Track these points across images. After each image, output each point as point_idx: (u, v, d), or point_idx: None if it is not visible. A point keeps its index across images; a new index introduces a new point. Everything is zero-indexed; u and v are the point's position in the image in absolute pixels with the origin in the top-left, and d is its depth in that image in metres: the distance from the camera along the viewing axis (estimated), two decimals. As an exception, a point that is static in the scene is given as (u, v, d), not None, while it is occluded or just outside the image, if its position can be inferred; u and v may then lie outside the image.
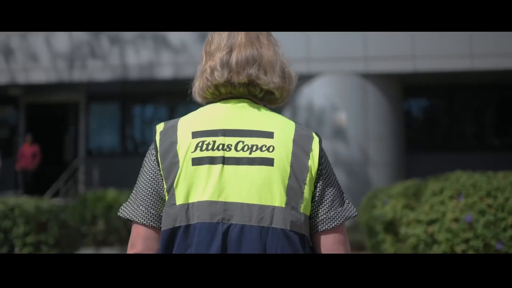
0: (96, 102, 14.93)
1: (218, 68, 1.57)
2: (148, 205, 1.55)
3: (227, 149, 1.51)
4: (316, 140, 1.57)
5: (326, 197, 1.56)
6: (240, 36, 1.61)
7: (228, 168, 1.50)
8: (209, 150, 1.51)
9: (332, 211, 1.55)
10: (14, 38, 13.06)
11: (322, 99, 12.07)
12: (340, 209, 1.57)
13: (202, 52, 1.66)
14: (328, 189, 1.57)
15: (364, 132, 12.07)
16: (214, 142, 1.52)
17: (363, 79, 12.16)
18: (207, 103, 1.66)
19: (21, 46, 13.00)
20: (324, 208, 1.55)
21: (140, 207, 1.55)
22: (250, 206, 1.47)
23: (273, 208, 1.48)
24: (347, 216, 1.58)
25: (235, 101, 1.61)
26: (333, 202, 1.56)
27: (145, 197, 1.56)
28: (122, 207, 1.61)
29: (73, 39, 12.83)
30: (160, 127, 1.60)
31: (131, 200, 1.59)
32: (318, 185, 1.55)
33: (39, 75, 13.01)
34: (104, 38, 12.69)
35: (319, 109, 12.10)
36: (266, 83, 1.58)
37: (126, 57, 12.59)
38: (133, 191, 1.60)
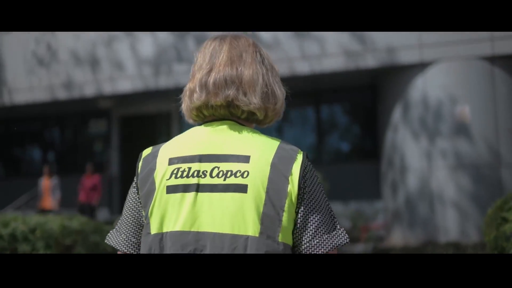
0: None
1: (197, 90, 1.56)
2: (129, 233, 1.60)
3: (202, 176, 1.49)
4: (298, 161, 1.49)
5: (309, 224, 1.47)
6: (222, 55, 1.58)
7: (202, 196, 1.47)
8: (184, 177, 1.49)
9: (316, 239, 1.47)
10: (99, 47, 12.58)
11: (439, 91, 10.56)
12: (326, 236, 1.48)
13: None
14: (311, 215, 1.48)
15: (493, 128, 10.37)
16: (190, 168, 1.50)
17: (489, 63, 10.38)
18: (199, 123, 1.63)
19: (107, 55, 12.47)
20: (307, 235, 1.47)
21: (122, 235, 1.61)
22: (222, 236, 1.43)
23: (247, 237, 1.42)
24: (335, 244, 1.48)
25: (217, 123, 1.58)
26: (317, 229, 1.48)
27: (126, 225, 1.60)
28: (108, 233, 1.65)
29: (158, 42, 12.08)
30: (145, 152, 1.61)
31: (116, 227, 1.63)
32: (299, 211, 1.47)
33: (125, 84, 12.48)
34: (190, 39, 11.82)
35: (436, 103, 10.60)
36: (246, 104, 1.54)
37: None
38: (120, 218, 1.64)
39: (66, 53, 12.91)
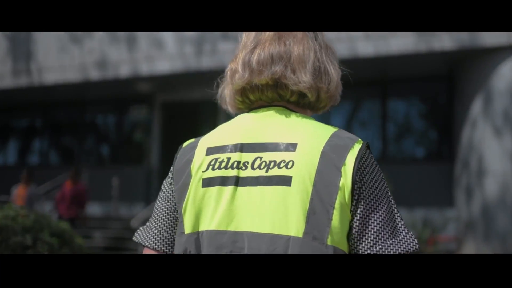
0: None
1: (239, 69, 1.47)
2: (161, 228, 1.51)
3: (243, 168, 1.39)
4: (354, 150, 1.35)
5: (369, 227, 1.32)
6: (267, 33, 1.49)
7: (242, 190, 1.37)
8: (222, 169, 1.40)
9: (378, 245, 1.32)
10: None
11: None
12: (391, 241, 1.33)
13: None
14: (372, 216, 1.33)
15: None
16: (229, 159, 1.41)
17: None
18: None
19: (145, 32, 11.66)
20: (367, 241, 1.32)
21: (153, 229, 1.52)
22: (260, 236, 1.33)
23: (288, 238, 1.31)
24: (402, 250, 1.32)
25: (264, 109, 1.49)
26: (380, 233, 1.32)
27: (159, 219, 1.52)
28: (137, 230, 1.58)
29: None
30: (185, 143, 1.55)
31: (147, 223, 1.56)
32: (356, 212, 1.32)
33: (163, 65, 11.74)
34: (237, 14, 10.84)
35: None
36: (295, 82, 1.43)
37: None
38: (152, 213, 1.56)
39: (102, 29, 12.22)
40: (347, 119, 12.49)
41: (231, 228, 1.34)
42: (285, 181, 1.32)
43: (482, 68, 10.07)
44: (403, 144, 12.52)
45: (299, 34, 1.48)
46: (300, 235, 1.29)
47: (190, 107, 13.67)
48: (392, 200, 1.38)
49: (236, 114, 1.54)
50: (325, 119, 10.91)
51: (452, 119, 11.46)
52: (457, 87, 11.17)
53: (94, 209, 13.44)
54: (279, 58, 1.44)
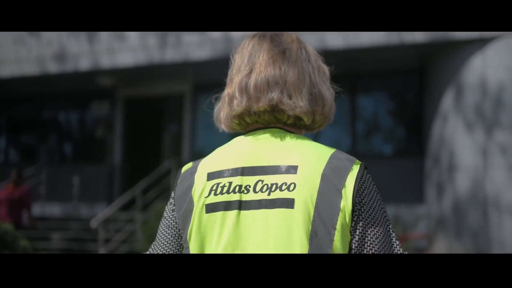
0: (205, 92, 13.00)
1: (237, 95, 1.50)
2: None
3: (245, 191, 1.43)
4: (353, 172, 1.40)
5: (367, 246, 1.37)
6: (262, 54, 1.52)
7: (245, 213, 1.41)
8: (224, 193, 1.43)
9: None
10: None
11: (501, 73, 9.55)
12: None
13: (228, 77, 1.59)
14: (369, 235, 1.38)
15: None
16: (230, 183, 1.44)
17: None
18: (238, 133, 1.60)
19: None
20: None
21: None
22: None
23: None
24: None
25: (261, 132, 1.52)
26: (377, 252, 1.37)
27: (163, 247, 1.52)
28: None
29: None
30: (185, 168, 1.57)
31: (151, 249, 1.56)
32: (355, 232, 1.38)
33: (125, 57, 11.42)
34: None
35: (496, 88, 9.56)
36: (291, 108, 1.48)
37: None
38: (156, 238, 1.57)
39: (61, 20, 11.77)
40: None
41: (237, 251, 1.37)
42: (288, 203, 1.36)
43: (453, 61, 10.00)
44: (372, 141, 12.40)
45: (292, 56, 1.51)
46: None
47: (154, 103, 13.36)
48: (388, 220, 1.43)
49: (232, 135, 1.57)
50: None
51: (422, 114, 11.39)
52: (427, 81, 11.10)
53: (53, 209, 13.00)
54: (275, 84, 1.46)
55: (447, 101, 10.07)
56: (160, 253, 1.50)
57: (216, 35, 10.63)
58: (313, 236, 1.34)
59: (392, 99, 12.37)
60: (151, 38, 11.20)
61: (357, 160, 1.43)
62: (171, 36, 11.01)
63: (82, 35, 11.70)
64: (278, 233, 1.35)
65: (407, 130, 12.22)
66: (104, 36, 11.57)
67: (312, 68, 1.54)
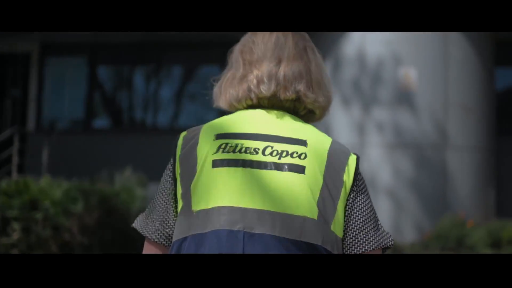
0: (55, 54, 12.34)
1: (265, 80, 1.61)
2: (164, 223, 1.60)
3: (254, 153, 1.53)
4: (353, 157, 1.60)
5: (356, 216, 1.55)
6: (288, 48, 1.65)
7: (252, 172, 1.51)
8: (232, 152, 1.53)
9: (362, 234, 1.55)
10: None
11: (380, 47, 9.56)
12: (373, 233, 1.56)
13: (236, 57, 1.67)
14: (360, 208, 1.56)
15: (442, 99, 9.61)
16: (239, 144, 1.54)
17: (446, 17, 9.21)
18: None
19: None
20: (354, 229, 1.55)
21: (156, 224, 1.61)
22: (273, 214, 1.47)
23: (304, 219, 1.47)
24: (382, 243, 1.56)
25: (270, 109, 1.64)
26: (364, 224, 1.55)
27: (161, 213, 1.61)
28: (138, 216, 1.69)
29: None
30: (184, 133, 1.66)
31: (147, 212, 1.64)
32: (348, 203, 1.55)
33: None
34: None
35: (375, 62, 9.58)
36: (312, 101, 1.64)
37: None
38: (151, 202, 1.66)
39: None
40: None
41: (242, 205, 1.45)
42: (299, 169, 1.50)
43: (332, 32, 9.79)
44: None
45: (311, 54, 1.65)
46: (315, 217, 1.46)
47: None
48: (373, 204, 1.64)
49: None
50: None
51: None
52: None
53: None
54: (301, 77, 1.60)
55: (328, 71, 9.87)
56: (159, 220, 1.57)
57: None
58: (320, 202, 1.47)
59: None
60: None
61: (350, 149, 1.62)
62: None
63: None
64: (287, 194, 1.45)
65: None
66: None
67: (324, 67, 1.69)
